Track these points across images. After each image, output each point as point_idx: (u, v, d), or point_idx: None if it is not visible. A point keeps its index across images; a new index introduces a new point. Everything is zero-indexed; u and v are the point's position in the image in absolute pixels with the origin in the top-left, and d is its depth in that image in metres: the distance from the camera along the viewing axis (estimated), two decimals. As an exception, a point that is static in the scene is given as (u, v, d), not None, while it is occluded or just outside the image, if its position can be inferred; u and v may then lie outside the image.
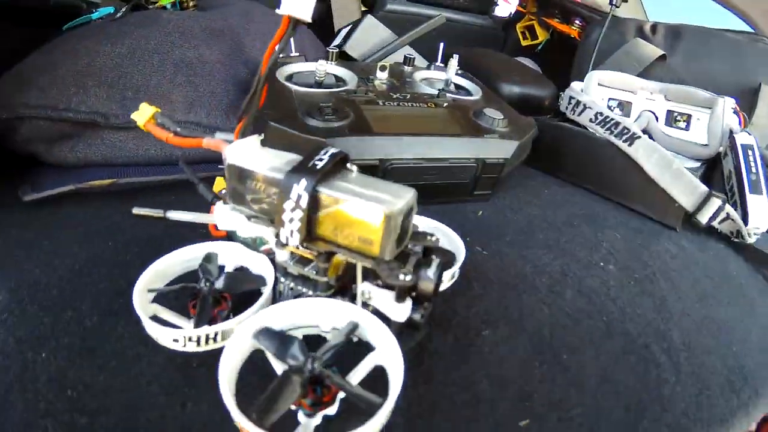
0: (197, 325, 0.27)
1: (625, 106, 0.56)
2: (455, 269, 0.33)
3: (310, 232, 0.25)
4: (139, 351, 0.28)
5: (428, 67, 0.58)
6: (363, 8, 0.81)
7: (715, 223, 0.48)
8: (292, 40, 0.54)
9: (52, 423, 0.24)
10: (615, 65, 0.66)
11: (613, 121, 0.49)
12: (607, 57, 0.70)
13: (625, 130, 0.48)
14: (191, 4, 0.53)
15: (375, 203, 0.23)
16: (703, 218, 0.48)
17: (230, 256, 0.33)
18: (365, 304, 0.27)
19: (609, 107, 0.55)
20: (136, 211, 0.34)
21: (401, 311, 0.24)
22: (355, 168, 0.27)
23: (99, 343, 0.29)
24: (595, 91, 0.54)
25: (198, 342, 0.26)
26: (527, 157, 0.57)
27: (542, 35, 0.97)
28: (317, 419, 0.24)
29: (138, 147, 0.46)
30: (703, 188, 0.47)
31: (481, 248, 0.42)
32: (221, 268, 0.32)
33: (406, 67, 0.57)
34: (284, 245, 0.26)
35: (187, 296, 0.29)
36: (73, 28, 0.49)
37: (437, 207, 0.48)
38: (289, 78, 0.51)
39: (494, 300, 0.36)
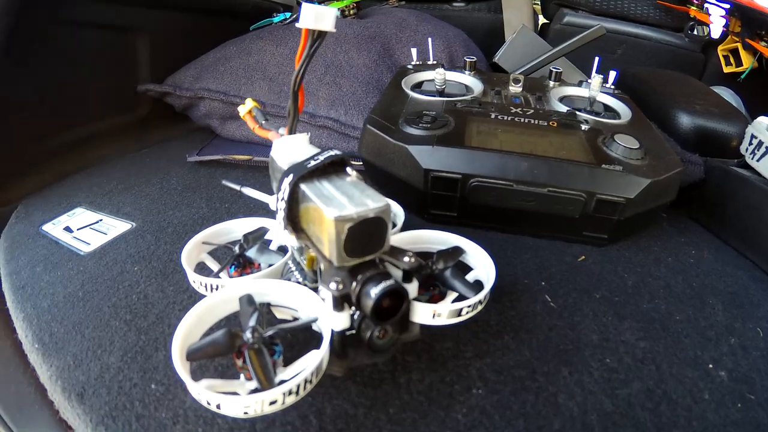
0: (214, 276, 0.32)
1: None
2: (465, 304, 0.29)
3: (294, 223, 0.27)
4: (186, 286, 0.35)
5: (578, 84, 0.51)
6: (544, 21, 0.75)
7: None
8: (431, 47, 0.55)
9: (111, 311, 0.33)
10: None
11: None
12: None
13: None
14: (351, 12, 0.59)
15: (328, 207, 0.23)
16: None
17: (279, 234, 0.37)
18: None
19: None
20: (224, 182, 0.42)
21: (335, 320, 0.24)
22: (353, 173, 0.28)
23: (170, 272, 0.37)
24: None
25: (205, 288, 0.31)
26: (686, 205, 0.45)
27: (747, 61, 0.72)
28: (252, 384, 0.26)
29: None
30: None
31: (551, 298, 0.36)
32: (267, 242, 0.36)
33: (550, 81, 0.52)
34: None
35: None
36: (257, 29, 0.62)
37: (531, 240, 0.43)
38: (418, 85, 0.52)
39: (517, 360, 0.30)
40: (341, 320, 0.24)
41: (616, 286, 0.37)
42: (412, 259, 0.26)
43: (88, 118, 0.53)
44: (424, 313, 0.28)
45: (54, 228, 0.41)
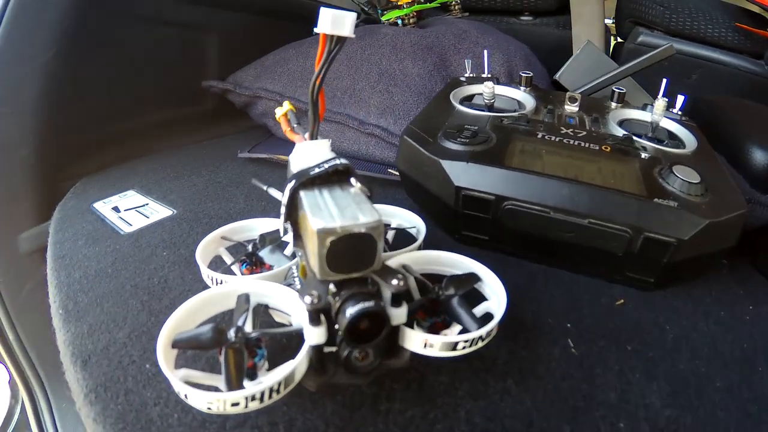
0: (223, 271, 0.33)
1: None
2: (462, 338, 0.26)
3: (294, 229, 0.27)
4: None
5: (643, 108, 0.46)
6: (619, 41, 0.69)
7: None
8: (486, 60, 0.53)
9: (132, 290, 0.35)
10: None
11: None
12: None
13: None
14: (411, 21, 0.58)
15: (314, 218, 0.23)
16: None
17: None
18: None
19: None
20: (253, 181, 0.43)
21: (310, 334, 0.23)
22: (357, 185, 0.27)
23: (194, 261, 0.37)
24: None
25: (211, 281, 0.31)
26: (751, 252, 0.39)
27: None
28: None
29: (335, 138, 0.55)
30: None
31: (574, 343, 0.32)
32: (284, 244, 0.37)
33: (612, 102, 0.47)
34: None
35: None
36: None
37: (567, 275, 0.39)
38: (468, 98, 0.50)
39: (515, 409, 0.27)
40: (316, 335, 0.23)
41: (653, 339, 0.33)
42: (401, 282, 0.24)
43: (155, 109, 0.57)
44: (415, 341, 0.26)
45: (104, 206, 0.45)
